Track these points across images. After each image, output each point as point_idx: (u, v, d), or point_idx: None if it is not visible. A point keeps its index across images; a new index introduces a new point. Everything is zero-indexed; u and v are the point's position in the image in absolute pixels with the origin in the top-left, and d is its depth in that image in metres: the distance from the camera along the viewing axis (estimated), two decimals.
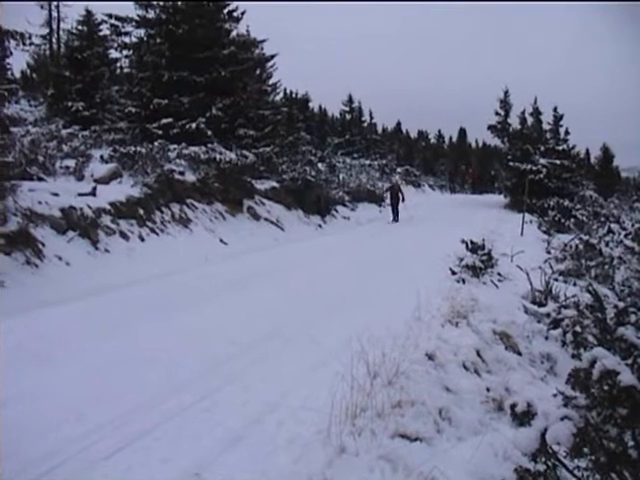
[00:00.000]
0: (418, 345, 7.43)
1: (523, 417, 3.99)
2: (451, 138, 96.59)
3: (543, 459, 3.76)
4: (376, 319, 8.81)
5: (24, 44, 19.09)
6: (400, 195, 29.83)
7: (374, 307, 10.30)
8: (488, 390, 6.83)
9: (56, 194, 14.60)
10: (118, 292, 11.40)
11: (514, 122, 45.78)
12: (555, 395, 3.98)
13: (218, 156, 22.64)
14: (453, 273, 13.35)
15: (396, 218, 29.40)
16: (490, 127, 46.31)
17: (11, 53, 16.06)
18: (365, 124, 67.63)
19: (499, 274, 13.79)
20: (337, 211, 30.20)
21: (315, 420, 5.30)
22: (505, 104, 46.42)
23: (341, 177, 37.53)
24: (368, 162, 52.00)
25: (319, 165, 33.88)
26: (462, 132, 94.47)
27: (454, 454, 4.86)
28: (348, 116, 64.86)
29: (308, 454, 4.91)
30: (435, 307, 9.66)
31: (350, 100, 64.68)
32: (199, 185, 20.68)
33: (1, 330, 8.45)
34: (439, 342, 7.77)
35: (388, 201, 31.06)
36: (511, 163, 40.60)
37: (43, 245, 12.62)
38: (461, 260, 13.79)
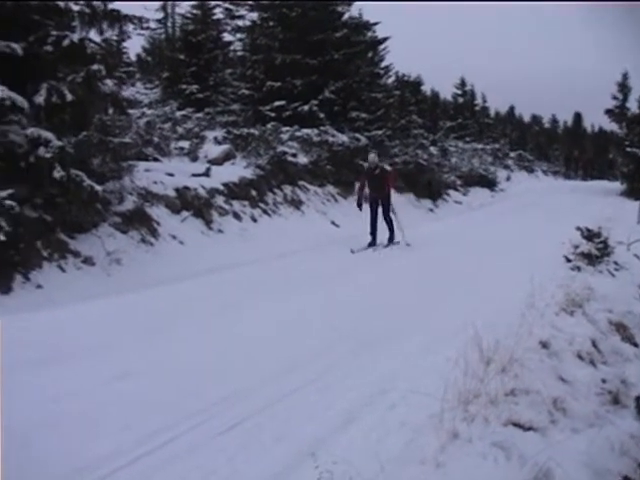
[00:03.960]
0: (532, 333, 7.12)
1: None
2: (566, 123, 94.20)
3: None
4: (488, 305, 8.54)
5: (141, 28, 19.40)
6: (385, 189, 15.45)
7: (486, 293, 9.97)
8: (604, 382, 6.48)
9: (171, 174, 14.78)
10: (231, 272, 11.38)
11: (633, 106, 44.11)
12: None
13: (330, 139, 22.54)
14: (568, 260, 12.84)
15: (374, 237, 15.38)
16: (607, 111, 44.78)
17: (129, 37, 16.25)
18: (478, 107, 66.60)
19: (615, 263, 13.18)
20: (449, 195, 29.79)
21: (427, 404, 5.10)
22: (624, 87, 44.83)
23: (453, 161, 37.03)
24: (480, 146, 51.15)
25: (431, 149, 33.41)
26: (577, 117, 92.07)
27: (569, 445, 4.61)
28: (460, 99, 64.01)
29: (420, 438, 4.80)
30: (549, 294, 9.28)
31: (463, 83, 63.88)
32: (311, 167, 20.66)
33: (117, 306, 8.57)
34: (553, 330, 7.45)
35: (359, 198, 16.02)
36: (629, 149, 39.18)
37: (158, 224, 12.78)
38: (576, 247, 13.26)
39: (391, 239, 15.61)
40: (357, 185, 17.13)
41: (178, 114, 23.12)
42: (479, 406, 5.10)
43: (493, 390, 5.27)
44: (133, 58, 36.78)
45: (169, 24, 38.10)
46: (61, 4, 12.20)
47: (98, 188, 11.28)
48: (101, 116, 13.35)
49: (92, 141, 11.82)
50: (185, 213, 13.80)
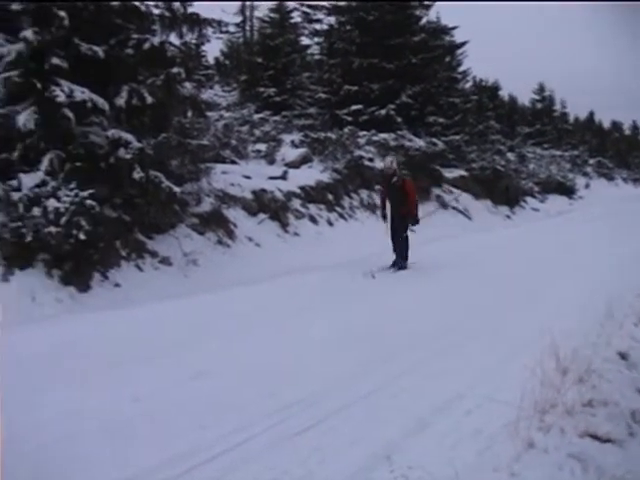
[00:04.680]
0: (610, 343, 6.90)
1: None
2: None
3: None
4: (565, 314, 8.28)
5: (220, 32, 19.54)
6: (406, 200, 12.40)
7: (563, 302, 9.69)
8: None
9: (248, 177, 14.88)
10: (307, 274, 11.32)
11: None
12: None
13: (407, 143, 22.44)
14: None
15: (403, 258, 12.56)
16: None
17: (208, 40, 16.37)
18: (556, 113, 65.51)
19: None
20: (526, 202, 29.38)
21: (502, 412, 4.96)
22: None
23: (530, 168, 36.46)
24: (559, 153, 50.28)
25: (508, 155, 32.98)
26: None
27: None
28: (539, 105, 63.07)
29: (495, 446, 4.67)
30: (627, 304, 8.98)
31: (541, 88, 62.91)
32: None
33: (194, 306, 8.60)
34: (632, 342, 7.20)
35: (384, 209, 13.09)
36: None
37: (235, 226, 12.85)
38: None
39: (398, 264, 12.40)
40: (380, 195, 14.10)
41: (256, 117, 23.27)
42: (555, 416, 4.96)
43: (570, 400, 5.12)
44: (211, 61, 37.14)
45: (247, 28, 38.40)
46: (142, 8, 12.38)
47: (176, 189, 11.39)
48: (180, 118, 13.48)
49: (171, 143, 11.94)
50: (262, 216, 13.85)
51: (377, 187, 15.81)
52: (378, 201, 14.20)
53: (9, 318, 8.01)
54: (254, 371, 6.27)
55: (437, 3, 29.36)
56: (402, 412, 5.37)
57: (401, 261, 12.40)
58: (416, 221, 12.60)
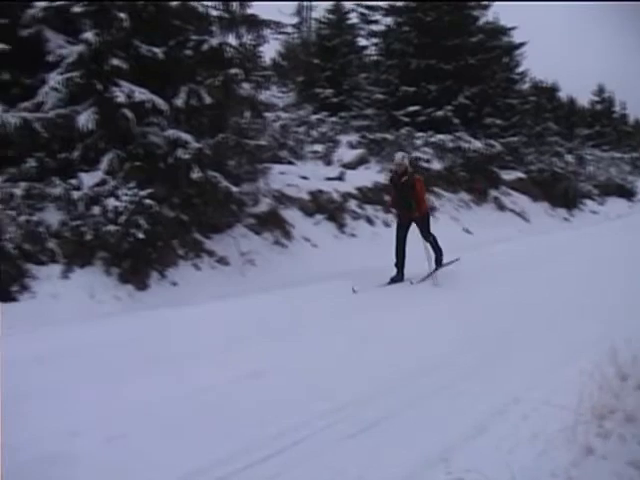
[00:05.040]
0: None
1: None
2: None
3: None
4: (626, 320, 8.07)
5: (277, 33, 19.62)
6: (418, 205, 11.33)
7: (624, 307, 9.43)
8: None
9: (305, 177, 14.88)
10: (366, 275, 11.24)
11: None
12: None
13: (464, 145, 22.24)
14: None
15: (400, 270, 11.39)
16: None
17: (266, 41, 16.42)
18: (616, 115, 64.42)
19: None
20: (584, 204, 28.90)
21: (559, 417, 4.85)
22: None
23: (589, 170, 35.90)
24: (618, 155, 49.42)
25: (567, 157, 32.50)
26: None
27: None
28: (598, 106, 62.09)
29: (552, 451, 4.57)
30: None
31: (600, 90, 61.93)
32: (445, 173, 20.45)
33: (251, 305, 8.63)
34: None
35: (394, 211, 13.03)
36: None
37: (292, 226, 12.85)
38: None
39: (438, 261, 11.62)
40: (389, 199, 12.98)
41: (312, 118, 23.30)
42: (615, 422, 4.83)
43: (630, 407, 4.99)
44: (268, 62, 37.31)
45: (304, 29, 38.49)
46: (200, 9, 12.48)
47: (234, 189, 11.45)
48: (237, 119, 13.54)
49: (229, 143, 11.98)
50: (319, 216, 13.84)
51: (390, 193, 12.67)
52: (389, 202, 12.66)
53: (69, 314, 8.16)
54: (311, 370, 6.28)
55: (495, 3, 29.08)
56: (460, 416, 5.32)
57: (438, 254, 11.62)
58: (427, 219, 11.66)
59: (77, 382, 5.66)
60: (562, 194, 26.48)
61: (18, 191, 9.58)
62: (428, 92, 26.10)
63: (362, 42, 33.70)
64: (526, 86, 38.43)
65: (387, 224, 15.46)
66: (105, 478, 4.25)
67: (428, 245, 11.42)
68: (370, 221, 15.17)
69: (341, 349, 7.06)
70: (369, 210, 15.51)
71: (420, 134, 22.60)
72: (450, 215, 18.42)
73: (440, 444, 4.76)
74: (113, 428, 4.83)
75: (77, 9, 10.58)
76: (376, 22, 31.05)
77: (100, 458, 4.46)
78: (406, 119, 25.24)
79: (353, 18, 32.65)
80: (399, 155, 11.66)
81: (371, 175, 17.40)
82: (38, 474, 4.26)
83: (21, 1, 10.98)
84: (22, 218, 9.20)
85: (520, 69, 35.00)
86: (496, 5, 29.38)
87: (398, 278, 11.18)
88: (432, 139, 22.22)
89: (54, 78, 10.38)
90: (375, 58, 32.00)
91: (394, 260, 11.31)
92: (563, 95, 57.88)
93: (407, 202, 11.24)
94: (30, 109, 10.47)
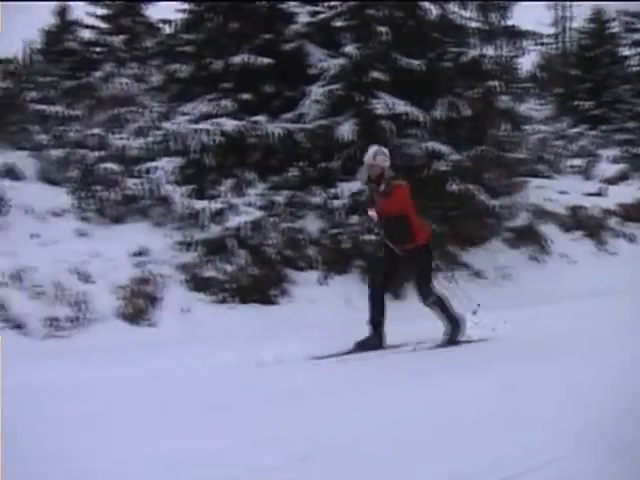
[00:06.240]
0: None
1: None
2: None
3: None
4: None
5: (536, 44, 19.24)
6: (405, 222, 7.32)
7: None
8: None
9: (563, 192, 14.46)
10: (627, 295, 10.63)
11: None
12: None
13: None
14: None
15: (375, 328, 7.10)
16: None
17: (525, 53, 16.17)
18: None
19: None
20: None
21: None
22: None
23: None
24: None
25: None
26: None
27: None
28: None
29: None
30: None
31: None
32: None
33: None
34: None
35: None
36: None
37: (549, 242, 12.53)
38: None
39: (454, 333, 7.37)
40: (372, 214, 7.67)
41: (572, 131, 22.60)
42: None
43: None
44: (526, 73, 36.78)
45: (565, 39, 37.51)
46: (459, 21, 12.52)
47: (493, 203, 11.31)
48: (495, 131, 13.38)
49: (488, 156, 11.86)
50: (577, 233, 13.39)
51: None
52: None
53: (327, 320, 8.38)
54: (561, 388, 5.91)
55: None
56: None
57: (453, 325, 7.41)
58: (428, 256, 7.65)
59: None
60: None
61: (280, 199, 10.05)
62: None
63: (624, 52, 32.32)
64: None
65: None
66: None
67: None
68: (632, 240, 14.42)
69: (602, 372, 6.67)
70: (631, 228, 14.75)
71: None
72: None
73: None
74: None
75: (338, 23, 10.96)
76: (638, 30, 29.69)
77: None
78: None
79: (615, 27, 31.40)
80: (370, 152, 7.40)
81: (634, 191, 16.54)
82: None
83: (285, 18, 11.55)
84: (284, 225, 9.61)
85: None
86: None
87: (373, 341, 7.16)
88: None
89: (316, 91, 10.82)
90: (639, 68, 30.60)
91: (369, 315, 7.26)
92: None
93: (392, 222, 7.48)
94: (292, 120, 10.99)
